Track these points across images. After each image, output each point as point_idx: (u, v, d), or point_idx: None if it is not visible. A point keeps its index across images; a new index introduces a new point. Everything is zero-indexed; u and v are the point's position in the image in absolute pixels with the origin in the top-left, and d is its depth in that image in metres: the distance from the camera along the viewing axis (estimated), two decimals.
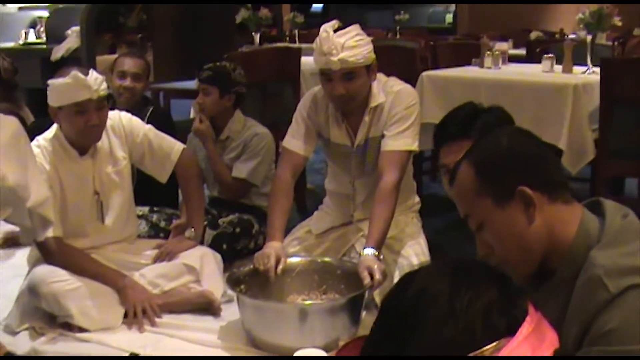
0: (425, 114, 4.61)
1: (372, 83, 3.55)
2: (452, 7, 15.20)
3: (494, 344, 1.19)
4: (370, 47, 3.47)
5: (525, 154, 1.81)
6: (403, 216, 3.75)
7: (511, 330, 1.22)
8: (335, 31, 3.39)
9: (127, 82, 4.55)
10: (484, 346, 1.19)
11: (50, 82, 3.51)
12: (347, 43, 3.37)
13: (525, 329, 1.23)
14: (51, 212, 3.13)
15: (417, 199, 3.91)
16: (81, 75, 3.42)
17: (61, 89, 3.45)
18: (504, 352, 1.19)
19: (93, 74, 3.48)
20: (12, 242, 4.55)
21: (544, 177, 1.79)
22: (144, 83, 4.63)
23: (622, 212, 1.75)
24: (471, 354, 1.18)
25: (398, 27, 11.22)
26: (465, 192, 1.81)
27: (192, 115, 5.24)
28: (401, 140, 3.52)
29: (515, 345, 1.20)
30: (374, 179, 3.56)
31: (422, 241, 3.70)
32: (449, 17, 15.71)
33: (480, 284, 1.25)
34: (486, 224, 1.78)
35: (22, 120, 4.79)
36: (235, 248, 4.13)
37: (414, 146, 3.55)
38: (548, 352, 1.24)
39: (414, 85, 4.52)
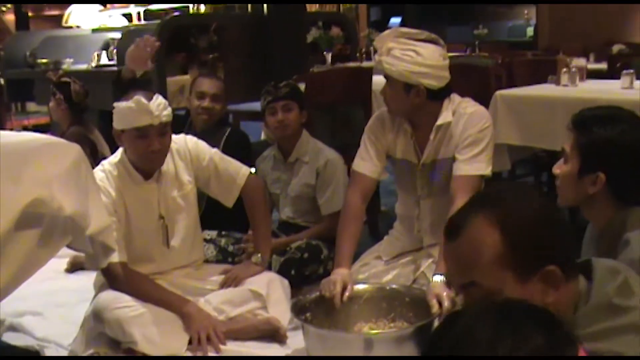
0: (499, 135, 4.48)
1: (443, 101, 3.47)
2: (533, 20, 14.89)
3: None
4: (419, 69, 3.37)
5: (557, 227, 1.64)
6: None
7: None
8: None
9: (206, 103, 4.51)
10: None
11: (115, 104, 3.50)
12: (394, 51, 3.35)
13: None
14: (112, 239, 3.10)
15: None
16: (144, 100, 3.40)
17: (124, 112, 3.45)
18: None
19: (157, 100, 3.46)
20: (78, 266, 4.56)
21: (567, 255, 1.64)
22: (222, 104, 4.60)
23: (612, 280, 1.60)
24: None
25: (477, 42, 11.04)
26: (480, 256, 1.58)
27: (262, 137, 5.19)
28: (474, 164, 3.42)
29: None
30: (443, 203, 3.45)
31: None
32: (530, 31, 15.39)
33: (525, 329, 1.16)
34: (496, 297, 1.54)
35: (92, 144, 4.84)
36: (304, 274, 4.05)
37: (487, 171, 3.44)
38: None
39: (487, 104, 4.40)
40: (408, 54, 3.35)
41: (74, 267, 4.60)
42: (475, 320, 1.20)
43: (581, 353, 1.21)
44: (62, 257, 4.64)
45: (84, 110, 5.21)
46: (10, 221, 2.25)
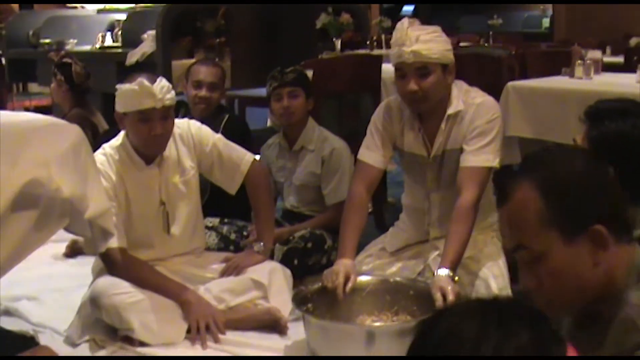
0: (510, 127, 4.41)
1: (451, 89, 3.40)
2: (549, 11, 14.71)
3: None
4: (448, 46, 3.36)
5: (603, 185, 1.61)
6: (482, 235, 3.55)
7: None
8: None
9: (203, 92, 4.42)
10: None
11: (118, 86, 3.43)
12: (422, 36, 3.26)
13: None
14: (111, 224, 3.04)
15: (497, 216, 3.69)
16: (147, 83, 3.33)
17: (127, 94, 3.37)
18: None
19: (160, 82, 3.38)
20: (77, 251, 4.50)
21: (616, 215, 1.60)
22: (220, 92, 4.50)
23: None
24: None
25: (491, 32, 10.92)
26: (526, 220, 1.58)
27: (269, 124, 5.12)
28: (482, 156, 3.34)
29: None
30: (451, 194, 3.39)
31: (501, 263, 3.48)
32: (546, 22, 15.21)
33: (511, 326, 1.15)
34: (544, 259, 1.57)
35: (94, 126, 4.77)
36: (307, 263, 3.97)
37: (495, 162, 3.36)
38: None
39: (499, 95, 4.32)
40: (434, 34, 3.31)
41: (73, 251, 4.54)
42: (460, 319, 1.19)
43: (570, 352, 1.19)
44: (61, 242, 4.59)
45: (86, 92, 5.13)
46: (7, 201, 2.19)
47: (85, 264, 3.85)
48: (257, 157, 3.92)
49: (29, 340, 3.36)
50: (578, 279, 1.57)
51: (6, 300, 3.77)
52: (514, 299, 1.31)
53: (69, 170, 2.54)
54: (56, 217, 2.50)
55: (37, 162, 2.40)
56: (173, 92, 3.44)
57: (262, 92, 4.52)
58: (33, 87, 9.97)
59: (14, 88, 9.90)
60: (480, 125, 3.36)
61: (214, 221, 4.21)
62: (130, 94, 3.36)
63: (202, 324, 3.34)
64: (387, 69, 5.01)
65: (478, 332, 1.14)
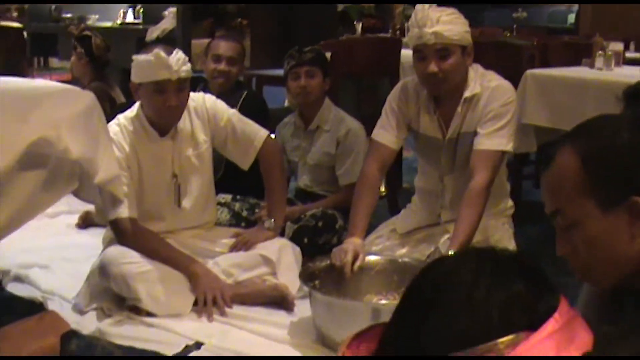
0: (527, 115, 4.38)
1: (468, 72, 3.39)
2: (575, 7, 14.57)
3: (511, 336, 1.11)
4: (467, 28, 3.34)
5: None
6: (493, 220, 3.53)
7: (534, 327, 1.13)
8: None
9: (222, 66, 4.42)
10: (500, 339, 1.11)
11: (134, 57, 3.44)
12: (442, 18, 3.25)
13: (550, 325, 1.14)
14: (121, 191, 3.06)
15: (510, 203, 3.68)
16: (163, 54, 3.33)
17: (142, 65, 3.38)
18: (522, 347, 1.11)
19: (177, 54, 3.39)
20: (89, 222, 4.52)
21: None
22: (238, 67, 4.51)
23: None
24: (484, 345, 1.11)
25: (515, 25, 10.85)
26: (563, 185, 1.56)
27: (286, 103, 5.11)
28: (495, 139, 3.32)
29: (536, 341, 1.12)
30: (465, 177, 3.37)
31: (510, 249, 3.47)
32: (571, 18, 15.06)
33: (505, 274, 1.17)
34: (580, 226, 1.54)
35: (112, 100, 4.78)
36: (317, 242, 3.95)
37: (509, 147, 3.35)
38: (576, 353, 1.14)
39: (517, 84, 4.29)
40: (454, 16, 3.30)
41: (85, 222, 4.55)
42: (456, 264, 1.20)
43: (563, 304, 1.19)
44: (75, 213, 4.63)
45: (105, 66, 5.15)
46: (13, 159, 2.20)
47: (97, 235, 3.87)
48: (273, 135, 3.92)
49: (37, 306, 3.39)
50: (613, 251, 1.53)
51: (17, 267, 3.79)
52: (511, 252, 1.30)
53: (79, 133, 2.55)
54: (65, 178, 2.51)
55: (47, 122, 2.40)
56: (189, 65, 3.44)
57: (280, 72, 4.52)
58: (54, 62, 9.98)
59: (35, 62, 9.94)
60: (494, 109, 3.34)
61: (226, 197, 4.21)
62: (146, 64, 3.37)
63: (209, 297, 3.34)
64: (407, 54, 5.00)
65: (472, 276, 1.15)
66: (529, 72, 4.51)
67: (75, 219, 4.61)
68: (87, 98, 2.80)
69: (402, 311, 1.21)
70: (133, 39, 6.38)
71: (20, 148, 2.21)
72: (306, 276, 3.20)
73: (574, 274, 1.58)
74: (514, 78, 4.03)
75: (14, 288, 3.65)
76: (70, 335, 3.06)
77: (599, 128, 1.60)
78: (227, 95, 4.17)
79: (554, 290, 1.19)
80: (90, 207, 4.29)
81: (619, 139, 1.54)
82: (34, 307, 3.34)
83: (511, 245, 3.52)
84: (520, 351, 1.10)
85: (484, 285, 1.14)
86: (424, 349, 1.13)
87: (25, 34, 8.29)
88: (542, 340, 1.11)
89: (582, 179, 1.52)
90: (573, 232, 1.55)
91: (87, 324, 3.23)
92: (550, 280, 1.21)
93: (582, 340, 1.16)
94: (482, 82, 3.40)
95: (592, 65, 4.88)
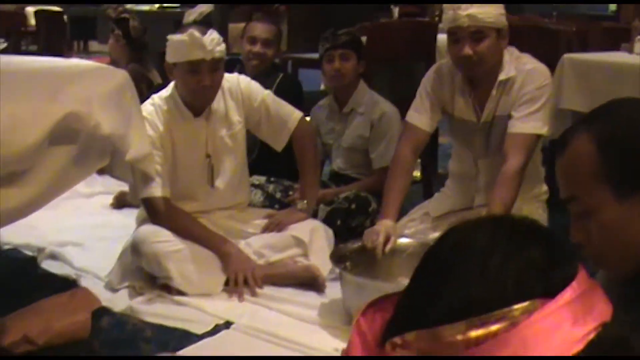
0: (564, 100, 4.31)
1: (503, 55, 3.34)
2: None
3: (526, 303, 1.09)
4: (502, 10, 3.30)
5: None
6: (527, 205, 3.49)
7: (551, 295, 1.11)
8: None
9: (257, 48, 4.43)
10: (514, 306, 1.09)
11: (169, 37, 3.44)
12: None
13: (568, 294, 1.11)
14: (153, 169, 3.07)
15: (544, 187, 3.64)
16: (197, 34, 3.33)
17: (177, 45, 3.38)
18: (537, 315, 1.08)
19: (211, 35, 3.39)
20: (124, 202, 4.54)
21: None
22: (274, 49, 4.51)
23: None
24: (498, 311, 1.09)
25: (555, 13, 10.70)
26: (578, 171, 1.52)
27: (322, 87, 5.09)
28: (530, 122, 3.29)
29: (552, 309, 1.09)
30: (499, 161, 3.33)
31: None
32: (613, 6, 14.87)
33: (522, 241, 1.14)
34: (594, 214, 1.50)
35: (149, 82, 4.80)
36: (350, 225, 3.94)
37: (543, 130, 3.31)
38: (594, 324, 1.11)
39: (554, 69, 4.23)
40: None
41: (120, 202, 4.58)
42: (472, 230, 1.18)
43: (582, 275, 1.15)
44: (110, 193, 4.66)
45: (143, 48, 5.17)
46: (42, 133, 2.21)
47: (131, 215, 3.89)
48: (308, 118, 3.91)
49: (70, 283, 3.42)
50: (628, 238, 1.49)
51: (52, 245, 3.83)
52: (529, 219, 1.27)
53: (111, 109, 2.56)
54: (96, 154, 2.52)
55: (78, 98, 2.41)
56: (223, 45, 3.44)
57: (316, 55, 4.50)
58: (93, 45, 10.03)
59: (75, 46, 10.00)
60: (529, 92, 3.31)
61: (260, 179, 4.22)
62: (180, 44, 3.37)
63: (240, 277, 3.35)
64: (443, 38, 4.95)
65: (488, 242, 1.14)
66: (567, 56, 4.44)
67: (109, 199, 4.64)
68: (119, 76, 2.81)
69: (417, 279, 1.21)
70: (170, 22, 6.41)
71: (49, 123, 2.22)
72: (337, 257, 3.19)
73: (589, 260, 1.55)
74: (552, 63, 3.96)
75: (48, 265, 3.69)
76: (101, 312, 3.10)
77: (616, 112, 1.56)
78: (263, 77, 4.17)
79: (572, 259, 1.17)
80: (126, 188, 4.32)
81: (635, 124, 1.51)
82: (67, 284, 3.37)
83: None
84: (535, 319, 1.08)
85: (499, 251, 1.12)
86: (439, 317, 1.12)
87: (65, 17, 8.35)
88: (558, 308, 1.09)
89: (598, 165, 1.48)
90: (588, 219, 1.52)
91: (119, 301, 3.25)
92: (571, 249, 1.18)
93: (601, 311, 1.13)
94: (517, 65, 3.36)
95: (630, 50, 4.79)
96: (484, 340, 1.09)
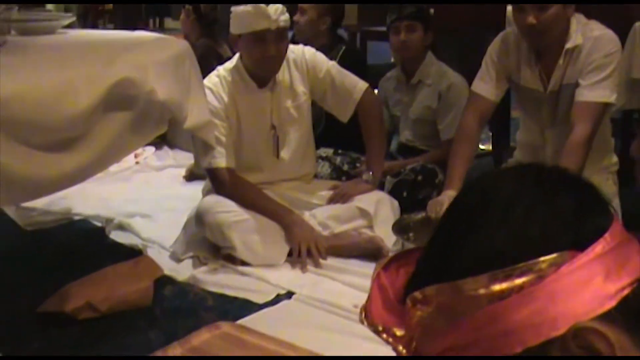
0: (637, 69, 4.17)
1: (570, 23, 3.24)
2: None
3: (554, 255, 0.99)
4: None
5: None
6: (596, 176, 3.39)
7: (581, 247, 1.01)
8: None
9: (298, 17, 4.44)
10: (541, 258, 1.00)
11: (232, 8, 3.44)
12: None
13: (600, 246, 1.01)
14: (212, 138, 3.07)
15: (614, 159, 3.54)
16: (262, 5, 3.31)
17: (241, 16, 3.38)
18: (566, 268, 0.99)
19: (275, 4, 3.36)
20: (194, 176, 4.56)
21: None
22: (307, 18, 4.48)
23: None
24: (524, 263, 0.99)
25: None
26: None
27: (392, 59, 5.04)
28: (598, 91, 3.20)
29: (582, 262, 0.99)
30: (567, 131, 3.25)
31: (615, 205, 3.34)
32: None
33: (549, 189, 1.05)
34: None
35: (220, 56, 4.79)
36: (417, 197, 3.88)
37: (612, 98, 3.22)
38: (628, 279, 1.00)
39: (625, 37, 4.10)
40: None
41: (192, 176, 4.61)
42: (497, 178, 1.10)
43: (616, 227, 1.07)
44: (181, 167, 4.70)
45: (213, 23, 5.16)
46: (96, 98, 2.21)
47: (199, 188, 3.90)
48: (376, 91, 3.87)
49: (137, 253, 3.45)
50: None
51: (121, 216, 3.88)
52: (561, 167, 1.21)
53: (167, 76, 2.56)
54: (154, 121, 2.53)
55: (135, 64, 2.42)
56: (287, 15, 3.43)
57: (385, 28, 4.45)
58: (169, 22, 10.11)
59: (150, 23, 10.10)
60: (597, 59, 3.22)
61: (327, 151, 4.20)
62: (245, 15, 3.36)
63: (303, 248, 3.34)
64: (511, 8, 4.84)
65: (513, 190, 1.06)
66: (639, 24, 4.30)
67: (181, 172, 4.68)
68: (179, 45, 2.83)
69: (440, 230, 1.16)
70: None
71: (103, 88, 2.23)
72: (400, 228, 3.17)
73: None
74: (624, 31, 3.84)
75: (116, 236, 3.75)
76: (165, 280, 3.13)
77: None
78: (326, 49, 4.15)
79: (606, 210, 1.11)
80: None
81: None
82: (133, 254, 3.41)
83: (615, 202, 3.38)
84: (563, 272, 1.02)
85: (524, 200, 1.04)
86: (460, 270, 1.08)
87: None
88: (589, 261, 1.02)
89: None
90: None
91: (183, 271, 3.28)
92: (605, 199, 1.13)
93: (636, 266, 1.07)
94: (585, 32, 3.27)
95: None
96: (509, 294, 1.04)
